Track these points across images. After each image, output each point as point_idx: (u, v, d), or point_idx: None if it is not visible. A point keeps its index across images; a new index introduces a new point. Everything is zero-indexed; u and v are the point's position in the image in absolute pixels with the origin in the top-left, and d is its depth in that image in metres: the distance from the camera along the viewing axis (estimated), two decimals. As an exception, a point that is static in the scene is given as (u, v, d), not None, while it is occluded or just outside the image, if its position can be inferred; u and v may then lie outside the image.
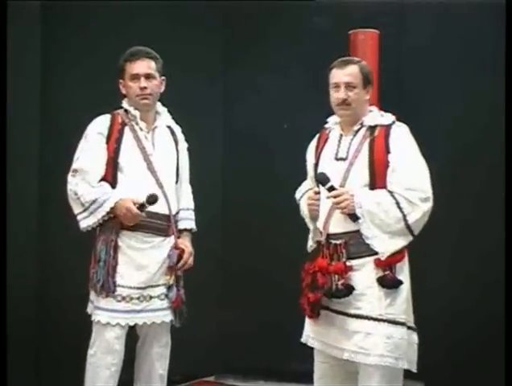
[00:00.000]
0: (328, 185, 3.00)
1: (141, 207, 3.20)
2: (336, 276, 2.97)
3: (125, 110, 3.39)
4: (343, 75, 3.07)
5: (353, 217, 2.97)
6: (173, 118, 3.58)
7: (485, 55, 4.42)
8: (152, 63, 3.37)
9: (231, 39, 5.08)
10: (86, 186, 3.24)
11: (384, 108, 4.43)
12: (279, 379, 4.77)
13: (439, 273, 4.56)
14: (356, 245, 2.99)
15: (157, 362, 3.40)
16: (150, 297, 3.30)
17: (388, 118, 3.14)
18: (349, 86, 3.06)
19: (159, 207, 3.30)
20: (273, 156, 4.87)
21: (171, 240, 3.39)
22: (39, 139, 4.11)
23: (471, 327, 4.34)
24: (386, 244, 2.95)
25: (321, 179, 3.04)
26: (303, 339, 3.20)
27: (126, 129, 3.35)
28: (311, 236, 3.23)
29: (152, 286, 3.31)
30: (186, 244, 3.46)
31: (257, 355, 4.77)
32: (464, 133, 4.50)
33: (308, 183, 3.31)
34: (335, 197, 2.98)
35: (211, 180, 4.90)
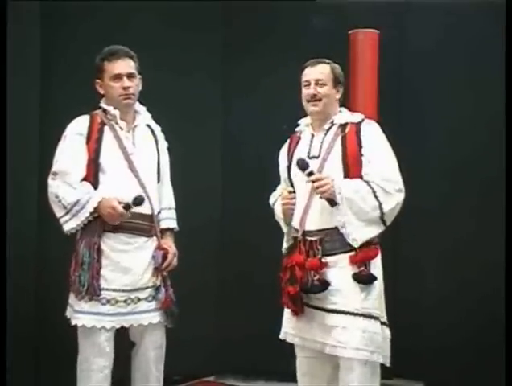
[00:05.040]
0: (308, 170, 3.07)
1: (126, 207, 3.17)
2: (312, 272, 3.05)
3: (104, 110, 3.33)
4: (314, 72, 3.19)
5: (332, 202, 3.04)
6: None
7: (485, 55, 4.42)
8: (132, 62, 3.31)
9: (230, 40, 5.07)
10: (67, 188, 3.19)
11: (384, 108, 4.48)
12: (280, 379, 4.77)
13: (440, 275, 4.57)
14: (331, 242, 3.08)
15: (153, 364, 3.36)
16: (139, 300, 3.26)
17: (358, 116, 3.23)
18: (319, 83, 3.18)
19: (142, 208, 3.25)
20: (272, 157, 4.86)
21: (154, 240, 3.35)
22: (39, 139, 4.11)
23: (471, 328, 4.35)
24: (360, 232, 3.04)
25: (301, 165, 3.09)
26: (281, 336, 3.25)
27: (106, 128, 3.29)
28: (286, 239, 3.28)
29: (141, 289, 3.27)
30: (169, 244, 3.41)
31: (257, 355, 4.76)
32: (464, 132, 4.50)
33: (282, 187, 3.36)
34: (315, 181, 3.04)
35: (209, 182, 4.90)
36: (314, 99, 3.17)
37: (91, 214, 3.18)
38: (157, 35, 4.59)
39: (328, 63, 3.22)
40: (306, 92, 3.20)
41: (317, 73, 3.18)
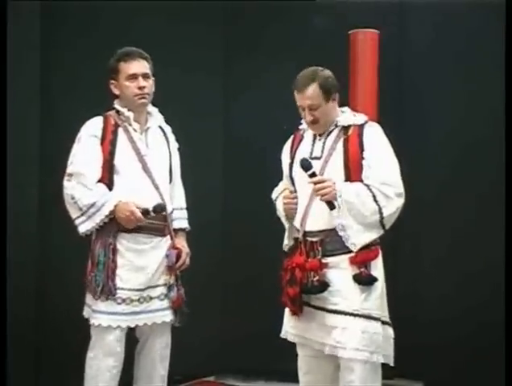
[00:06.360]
0: (311, 171, 3.06)
1: (145, 212, 3.21)
2: (312, 272, 3.05)
3: (117, 111, 3.36)
4: (304, 99, 3.13)
5: (330, 205, 3.03)
6: (165, 118, 3.54)
7: (485, 55, 4.42)
8: (146, 63, 3.36)
9: (231, 40, 5.07)
10: (83, 190, 3.22)
11: (384, 107, 4.48)
12: (280, 379, 4.77)
13: (440, 275, 4.56)
14: (331, 243, 3.08)
15: (159, 363, 3.39)
16: (150, 298, 3.30)
17: (361, 118, 3.21)
18: (312, 108, 3.12)
19: None
20: (274, 157, 4.85)
21: (167, 239, 3.39)
22: (39, 139, 4.11)
23: (471, 327, 4.34)
24: (359, 236, 3.04)
25: (304, 165, 3.09)
26: (282, 334, 3.26)
27: (120, 130, 3.32)
28: (287, 235, 3.29)
29: (152, 287, 3.31)
30: (183, 243, 3.47)
31: (257, 355, 4.76)
32: (464, 132, 4.50)
33: (284, 183, 3.36)
34: (316, 183, 3.04)
35: (211, 182, 4.89)
36: (312, 122, 3.15)
37: (106, 216, 3.21)
38: (158, 34, 4.58)
39: (315, 80, 3.10)
40: (304, 116, 3.18)
41: (307, 99, 3.11)
